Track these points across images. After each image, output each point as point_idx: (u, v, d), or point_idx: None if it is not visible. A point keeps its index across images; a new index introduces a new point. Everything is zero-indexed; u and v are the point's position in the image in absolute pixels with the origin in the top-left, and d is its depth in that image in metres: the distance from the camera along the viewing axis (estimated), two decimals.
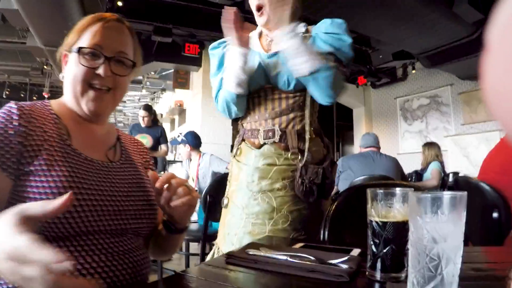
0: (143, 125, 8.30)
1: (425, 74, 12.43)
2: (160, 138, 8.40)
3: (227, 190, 2.62)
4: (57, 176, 1.32)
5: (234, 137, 16.79)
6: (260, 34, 2.66)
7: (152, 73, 16.00)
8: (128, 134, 1.98)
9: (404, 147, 12.93)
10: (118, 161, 1.64)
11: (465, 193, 0.96)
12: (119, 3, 9.23)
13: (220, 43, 2.71)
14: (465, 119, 11.19)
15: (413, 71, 12.40)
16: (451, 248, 0.93)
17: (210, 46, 2.76)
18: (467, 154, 10.91)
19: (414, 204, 0.99)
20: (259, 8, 2.50)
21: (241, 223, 2.37)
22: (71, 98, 1.57)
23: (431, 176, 7.26)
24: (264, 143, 2.42)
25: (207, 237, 4.53)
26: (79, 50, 1.52)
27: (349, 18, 7.79)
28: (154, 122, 8.61)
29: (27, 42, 10.54)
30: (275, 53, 2.43)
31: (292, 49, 2.23)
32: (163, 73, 15.89)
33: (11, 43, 12.34)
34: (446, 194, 0.96)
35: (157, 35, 9.50)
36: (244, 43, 2.41)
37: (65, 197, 0.94)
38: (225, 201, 2.56)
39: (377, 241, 1.17)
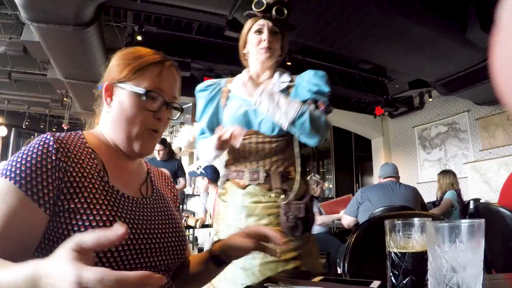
0: (158, 158, 8.30)
1: (441, 101, 12.41)
2: (177, 171, 8.39)
3: (215, 228, 2.73)
4: (98, 215, 1.31)
5: None
6: (246, 79, 2.69)
7: None
8: None
9: (424, 176, 12.84)
10: (151, 197, 1.62)
11: (483, 220, 0.96)
12: (139, 37, 9.36)
13: (208, 86, 2.82)
14: (483, 145, 11.11)
15: (430, 99, 12.39)
16: (470, 277, 0.92)
17: (198, 88, 2.85)
18: (487, 180, 10.81)
19: (432, 233, 0.99)
20: (270, 42, 2.62)
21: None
22: (121, 136, 1.53)
23: (442, 202, 7.19)
24: (249, 184, 2.54)
25: None
26: (146, 93, 1.48)
27: (364, 49, 7.85)
28: (170, 155, 8.61)
29: (47, 74, 10.71)
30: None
31: (269, 108, 2.44)
32: (182, 107, 16.00)
33: (32, 74, 12.55)
34: (464, 222, 0.96)
35: None
36: (224, 148, 2.54)
37: (119, 230, 0.89)
38: (214, 239, 2.60)
39: (397, 272, 1.16)
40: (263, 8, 2.65)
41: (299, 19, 6.65)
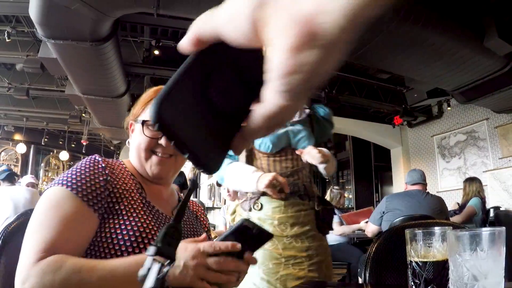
0: None
1: (460, 110, 12.33)
2: (184, 184, 8.39)
3: None
4: (133, 222, 1.50)
5: None
6: None
7: None
8: None
9: (443, 185, 12.75)
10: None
11: (503, 228, 0.96)
12: (156, 52, 9.42)
13: None
14: (503, 153, 11.01)
15: (449, 108, 12.33)
16: (492, 285, 0.92)
17: None
18: (507, 188, 10.70)
19: (453, 242, 0.99)
20: None
21: (281, 266, 2.62)
22: (136, 162, 1.78)
23: (464, 210, 7.10)
24: (291, 196, 2.74)
25: None
26: (143, 122, 1.70)
27: (382, 59, 7.84)
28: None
29: (65, 90, 10.78)
30: (297, 121, 2.88)
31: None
32: None
33: (49, 91, 12.62)
34: (485, 231, 0.95)
35: None
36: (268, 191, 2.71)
37: None
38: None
39: (418, 281, 1.16)
40: None
41: None
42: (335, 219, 6.87)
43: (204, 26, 0.56)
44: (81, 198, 1.43)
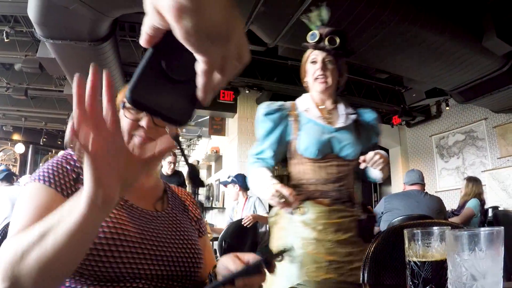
0: (169, 171, 8.27)
1: (458, 110, 12.34)
2: (183, 184, 8.39)
3: (301, 243, 2.78)
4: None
5: None
6: (317, 104, 2.97)
7: None
8: None
9: (442, 184, 12.75)
10: (164, 211, 1.74)
11: (502, 228, 0.96)
12: None
13: (276, 109, 2.93)
14: (501, 152, 11.01)
15: (447, 108, 12.35)
16: (490, 285, 0.92)
17: (264, 111, 2.95)
18: (505, 188, 10.71)
19: (451, 242, 0.99)
20: (324, 71, 2.84)
21: (323, 270, 2.64)
22: None
23: (462, 212, 7.07)
24: (335, 202, 2.76)
25: None
26: (124, 105, 1.65)
27: (381, 59, 7.84)
28: (175, 170, 8.65)
29: (64, 90, 10.77)
30: (341, 128, 2.84)
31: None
32: (199, 120, 16.04)
33: (48, 91, 12.61)
34: (483, 230, 0.96)
35: None
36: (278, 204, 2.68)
37: None
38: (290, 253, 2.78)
39: (416, 281, 1.16)
40: (316, 39, 2.87)
41: None
42: None
43: (147, 24, 0.72)
44: (54, 188, 1.45)
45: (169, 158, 8.36)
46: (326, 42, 2.84)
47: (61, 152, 1.67)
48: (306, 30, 2.89)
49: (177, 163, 8.66)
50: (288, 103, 3.00)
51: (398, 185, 12.53)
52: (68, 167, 1.54)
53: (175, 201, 1.90)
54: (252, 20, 6.52)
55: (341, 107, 2.93)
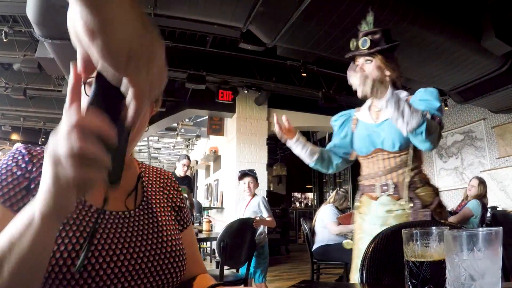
0: (182, 174, 8.37)
1: (457, 110, 12.35)
2: (192, 186, 8.52)
3: (355, 237, 3.18)
4: (64, 231, 1.20)
5: (269, 183, 16.86)
6: (370, 106, 3.21)
7: (187, 120, 16.23)
8: None
9: (440, 184, 12.72)
10: (137, 209, 1.47)
11: (501, 228, 0.96)
12: None
13: (340, 116, 3.47)
14: (500, 153, 11.02)
15: (446, 108, 12.34)
16: (489, 285, 0.92)
17: (333, 118, 3.54)
18: (504, 188, 10.71)
19: (450, 242, 0.99)
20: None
21: None
22: None
23: (461, 211, 7.08)
24: (381, 195, 2.91)
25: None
26: (85, 82, 1.28)
27: None
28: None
29: (63, 90, 10.78)
30: (383, 122, 2.98)
31: (393, 114, 2.65)
32: (198, 120, 16.09)
33: (47, 90, 12.61)
34: (482, 231, 0.96)
35: (190, 82, 9.64)
36: (288, 136, 3.24)
37: None
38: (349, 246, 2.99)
39: (415, 281, 1.16)
40: (354, 48, 3.14)
41: (313, 31, 6.67)
42: (332, 219, 6.87)
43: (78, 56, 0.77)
44: (2, 204, 1.18)
45: (184, 161, 8.47)
46: (360, 47, 3.04)
47: (9, 153, 1.33)
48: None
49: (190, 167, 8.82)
50: (353, 110, 3.39)
51: None
52: (18, 172, 1.26)
53: (152, 189, 1.61)
54: (251, 20, 6.53)
55: (389, 94, 2.85)
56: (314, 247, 6.97)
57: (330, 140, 3.60)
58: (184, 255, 1.51)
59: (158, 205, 1.58)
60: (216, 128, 13.34)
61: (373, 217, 2.93)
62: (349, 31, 6.64)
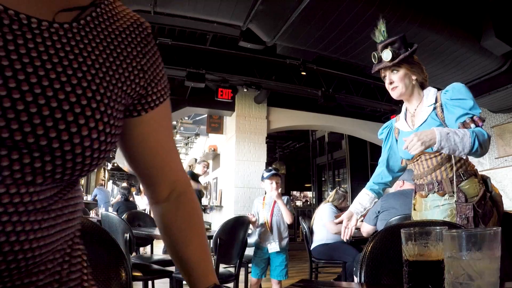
0: (201, 174, 8.65)
1: None
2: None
3: None
4: None
5: None
6: (406, 113, 3.36)
7: (186, 118, 16.21)
8: None
9: None
10: (71, 25, 0.91)
11: (499, 228, 0.96)
12: None
13: (384, 128, 3.61)
14: (499, 152, 11.01)
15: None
16: (487, 285, 0.92)
17: (379, 132, 3.70)
18: (503, 188, 10.69)
19: (448, 242, 0.99)
20: (391, 83, 3.15)
21: None
22: None
23: None
24: (429, 193, 3.06)
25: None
26: None
27: None
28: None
29: None
30: (418, 127, 3.09)
31: (450, 150, 2.71)
32: (197, 118, 16.08)
33: None
34: (480, 231, 0.95)
35: (190, 80, 9.63)
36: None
37: None
38: None
39: (413, 281, 1.16)
40: (377, 61, 3.20)
41: (313, 30, 6.66)
42: (331, 218, 6.86)
43: None
44: None
45: (205, 163, 8.71)
46: (384, 59, 3.11)
47: None
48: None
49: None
50: (394, 119, 3.57)
51: (396, 184, 12.53)
52: None
53: (107, 24, 1.03)
54: (251, 18, 6.53)
55: (426, 102, 3.12)
56: (313, 246, 6.97)
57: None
58: (106, 142, 0.91)
59: (105, 45, 0.99)
60: (215, 127, 13.33)
61: (423, 213, 3.09)
62: (350, 29, 6.64)
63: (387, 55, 3.09)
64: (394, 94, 3.16)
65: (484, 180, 3.01)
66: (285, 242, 5.87)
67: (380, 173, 3.64)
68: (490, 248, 0.93)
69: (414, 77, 3.12)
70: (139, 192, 13.31)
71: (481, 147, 2.67)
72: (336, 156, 18.09)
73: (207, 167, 8.72)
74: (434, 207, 3.02)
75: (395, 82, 3.11)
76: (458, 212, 2.85)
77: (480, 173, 3.07)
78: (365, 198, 3.64)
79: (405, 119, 3.31)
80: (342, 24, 6.53)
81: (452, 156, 2.92)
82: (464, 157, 2.82)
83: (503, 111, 10.45)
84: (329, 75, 11.41)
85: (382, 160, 3.63)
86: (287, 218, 5.90)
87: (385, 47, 3.14)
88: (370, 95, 12.38)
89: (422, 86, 3.21)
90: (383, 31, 3.26)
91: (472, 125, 2.77)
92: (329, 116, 13.75)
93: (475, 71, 8.44)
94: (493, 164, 11.16)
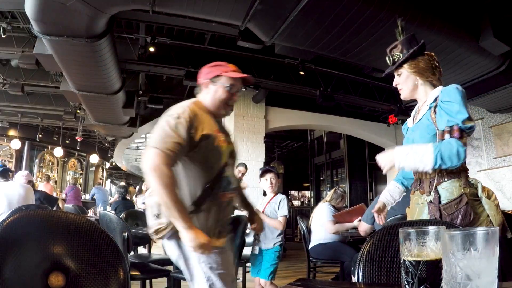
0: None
1: None
2: None
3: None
4: None
5: None
6: (415, 110, 3.34)
7: None
8: None
9: None
10: None
11: (497, 228, 0.96)
12: (151, 49, 9.44)
13: (405, 124, 3.46)
14: (497, 152, 11.04)
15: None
16: (485, 284, 0.92)
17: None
18: (501, 188, 10.72)
19: (446, 241, 0.99)
20: (396, 85, 3.23)
21: None
22: None
23: None
24: (415, 191, 3.12)
25: None
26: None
27: (377, 58, 7.82)
28: None
29: (60, 87, 10.76)
30: (415, 124, 3.17)
31: (412, 168, 2.96)
32: None
33: (44, 87, 12.63)
34: (478, 230, 0.95)
35: (188, 79, 9.66)
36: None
37: None
38: None
39: (411, 280, 1.16)
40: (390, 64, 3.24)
41: (312, 29, 6.66)
42: (329, 218, 6.87)
43: None
44: None
45: (240, 168, 8.76)
46: (390, 64, 3.22)
47: None
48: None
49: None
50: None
51: None
52: None
53: None
54: (249, 18, 6.52)
55: (428, 101, 3.13)
56: (311, 245, 6.97)
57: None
58: None
59: None
60: None
61: (409, 210, 3.21)
62: (349, 29, 6.64)
63: (388, 60, 3.23)
64: (401, 96, 3.23)
65: (472, 185, 2.99)
66: (271, 243, 5.83)
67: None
68: (488, 248, 0.93)
69: (417, 78, 3.15)
70: (140, 192, 13.18)
71: (444, 163, 2.70)
72: (334, 156, 18.11)
73: (243, 174, 8.91)
74: (416, 205, 3.10)
75: (400, 85, 3.19)
76: (429, 211, 2.92)
77: (473, 176, 3.08)
78: (395, 191, 3.69)
79: (413, 116, 3.33)
80: (340, 24, 6.53)
81: None
82: (431, 171, 2.85)
83: (501, 111, 10.46)
84: (328, 74, 11.42)
85: None
86: (275, 227, 5.90)
87: (390, 51, 3.23)
88: (368, 95, 12.40)
89: (435, 84, 3.24)
90: (399, 30, 3.34)
91: (448, 135, 2.80)
92: (327, 115, 13.77)
93: (473, 71, 8.44)
94: (491, 164, 11.19)
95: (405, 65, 3.14)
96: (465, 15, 7.49)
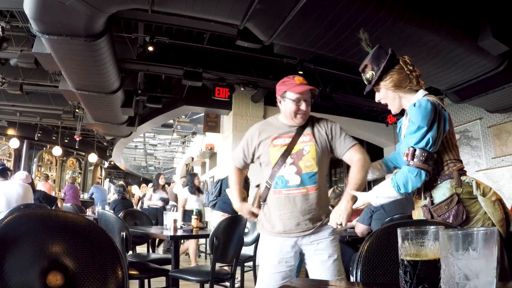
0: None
1: (453, 109, 12.34)
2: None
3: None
4: None
5: None
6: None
7: (183, 117, 16.25)
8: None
9: None
10: None
11: (496, 228, 0.96)
12: (150, 48, 9.42)
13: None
14: (496, 152, 11.03)
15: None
16: (483, 284, 0.92)
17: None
18: (499, 188, 10.71)
19: (445, 241, 0.99)
20: (379, 101, 3.36)
21: None
22: None
23: None
24: (415, 196, 3.24)
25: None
26: None
27: None
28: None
29: (59, 86, 10.75)
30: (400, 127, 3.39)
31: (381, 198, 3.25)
32: (194, 117, 16.12)
33: (43, 86, 12.61)
34: (477, 230, 0.95)
35: (187, 79, 9.64)
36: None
37: None
38: None
39: (409, 280, 1.16)
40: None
41: (310, 29, 6.66)
42: None
43: None
44: None
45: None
46: (366, 82, 3.33)
47: None
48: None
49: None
50: None
51: None
52: None
53: None
54: (248, 17, 6.51)
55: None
56: None
57: None
58: None
59: None
60: (212, 125, 13.37)
61: (414, 212, 3.33)
62: (346, 29, 6.64)
63: (364, 79, 3.34)
64: (392, 112, 3.36)
65: (467, 183, 2.96)
66: None
67: (397, 155, 3.75)
68: (487, 248, 0.93)
69: (396, 91, 3.20)
70: (157, 188, 12.77)
71: (406, 188, 2.92)
72: (334, 155, 18.11)
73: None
74: (417, 208, 3.24)
75: (382, 100, 3.30)
76: (423, 215, 3.04)
77: (472, 176, 3.08)
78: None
79: (405, 116, 3.33)
80: (339, 24, 6.52)
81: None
82: (398, 197, 3.06)
83: (500, 111, 10.45)
84: (326, 74, 11.42)
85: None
86: None
87: (362, 71, 3.33)
88: (367, 95, 12.37)
89: (416, 90, 3.26)
90: (366, 43, 3.40)
91: (405, 158, 2.97)
92: (326, 115, 13.76)
93: (472, 71, 8.44)
94: (489, 164, 11.18)
95: (381, 83, 3.20)
96: (464, 15, 7.49)
